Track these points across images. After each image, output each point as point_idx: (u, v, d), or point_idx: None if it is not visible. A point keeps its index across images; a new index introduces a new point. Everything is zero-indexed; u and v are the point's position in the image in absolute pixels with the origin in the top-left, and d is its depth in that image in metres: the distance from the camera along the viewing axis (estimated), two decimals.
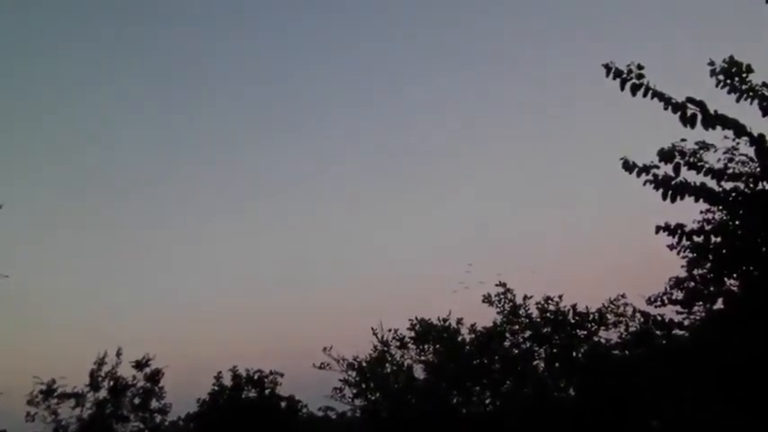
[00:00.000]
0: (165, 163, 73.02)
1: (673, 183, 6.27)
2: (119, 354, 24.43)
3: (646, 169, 6.39)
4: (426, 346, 21.61)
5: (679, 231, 6.85)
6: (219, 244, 63.91)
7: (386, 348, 22.08)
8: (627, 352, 19.08)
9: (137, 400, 24.43)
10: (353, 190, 72.05)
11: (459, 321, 21.48)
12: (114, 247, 60.58)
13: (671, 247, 10.79)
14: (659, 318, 18.26)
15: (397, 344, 21.99)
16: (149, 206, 68.14)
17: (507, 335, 20.62)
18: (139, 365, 24.73)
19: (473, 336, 21.12)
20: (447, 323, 21.41)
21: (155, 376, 24.82)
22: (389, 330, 22.14)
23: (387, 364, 22.09)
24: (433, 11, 75.78)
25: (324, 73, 74.47)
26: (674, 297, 16.28)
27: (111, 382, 24.09)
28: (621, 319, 19.53)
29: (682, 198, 6.27)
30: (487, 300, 20.61)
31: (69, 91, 73.23)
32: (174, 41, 74.57)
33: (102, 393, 23.99)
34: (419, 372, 21.70)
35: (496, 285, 20.58)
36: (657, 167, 6.39)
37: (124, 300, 52.59)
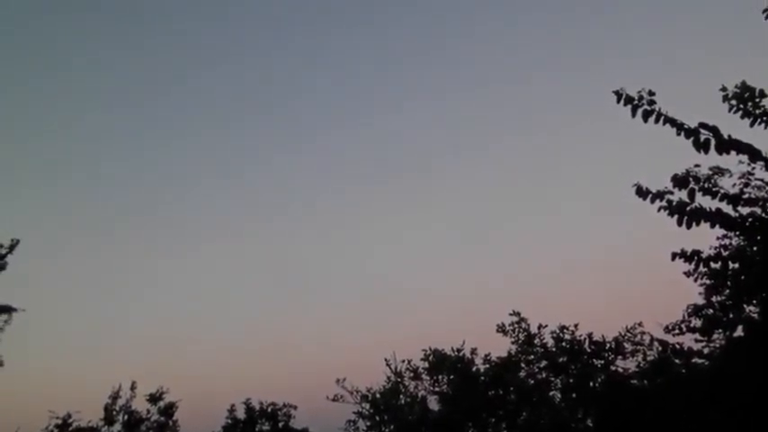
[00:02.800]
0: (165, 187, 72.17)
1: (688, 209, 6.23)
2: (133, 387, 24.37)
3: (660, 195, 6.37)
4: (440, 377, 21.36)
5: (696, 258, 6.81)
6: (222, 272, 63.40)
7: (399, 379, 21.87)
8: (645, 381, 18.79)
9: None
10: (368, 214, 71.25)
11: (474, 351, 21.25)
12: (126, 276, 60.47)
13: (687, 273, 10.68)
14: (678, 346, 18.02)
15: (411, 375, 21.77)
16: (161, 234, 67.84)
17: (522, 365, 20.38)
18: (153, 399, 24.64)
19: (487, 366, 20.87)
20: (461, 353, 21.18)
21: (169, 410, 24.71)
22: (403, 361, 21.96)
23: (401, 396, 21.85)
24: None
25: (328, 85, 73.96)
26: (692, 325, 16.07)
27: (126, 416, 24.00)
28: (639, 347, 19.28)
29: (697, 224, 6.23)
30: (501, 329, 20.42)
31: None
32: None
33: (117, 427, 23.89)
34: (433, 403, 21.43)
35: (510, 315, 20.43)
36: (671, 193, 6.37)
37: (137, 332, 52.44)
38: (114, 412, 23.90)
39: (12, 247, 22.51)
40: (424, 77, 74.66)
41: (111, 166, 71.24)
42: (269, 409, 26.34)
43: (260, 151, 73.03)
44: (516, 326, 20.35)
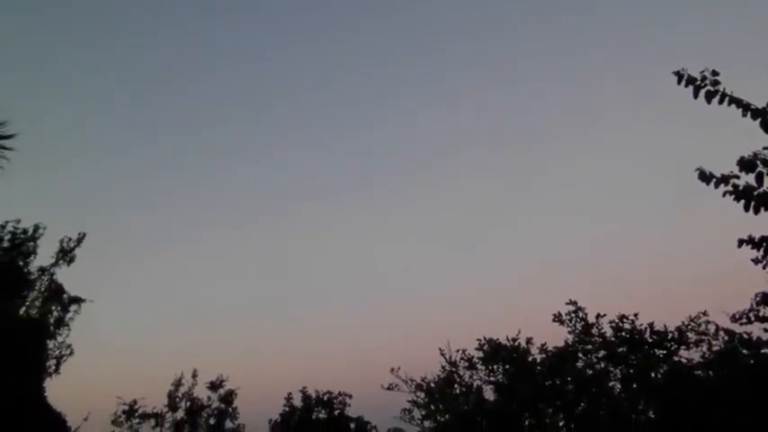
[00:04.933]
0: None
1: (755, 193, 5.95)
2: (194, 375, 25.21)
3: (725, 180, 6.09)
4: (496, 367, 21.19)
5: (765, 244, 6.49)
6: (287, 263, 64.50)
7: (454, 369, 21.81)
8: (711, 372, 18.18)
9: (212, 421, 25.08)
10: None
11: (529, 341, 20.98)
12: (189, 266, 62.33)
13: (755, 261, 10.23)
14: (745, 336, 17.39)
15: (466, 364, 21.68)
16: (233, 222, 69.22)
17: (580, 355, 20.01)
18: (214, 386, 25.40)
19: (544, 356, 20.58)
20: (516, 343, 20.96)
21: (228, 397, 25.44)
22: (457, 351, 21.89)
23: (455, 385, 21.81)
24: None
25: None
26: (760, 314, 15.46)
27: (188, 403, 24.84)
28: (704, 337, 18.66)
29: (766, 209, 5.94)
30: (558, 319, 20.09)
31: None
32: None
33: (180, 414, 24.76)
34: (489, 393, 21.32)
35: (567, 304, 20.07)
36: (737, 177, 6.08)
37: (199, 322, 54.07)
38: (177, 399, 24.79)
39: (79, 240, 23.57)
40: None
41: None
42: (325, 398, 26.77)
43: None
44: (573, 315, 19.99)
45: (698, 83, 5.89)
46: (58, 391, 21.15)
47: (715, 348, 18.24)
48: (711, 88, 5.84)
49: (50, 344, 21.63)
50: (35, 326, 20.59)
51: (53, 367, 21.52)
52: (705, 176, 6.17)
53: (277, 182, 73.20)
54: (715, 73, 5.83)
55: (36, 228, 22.55)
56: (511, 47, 70.47)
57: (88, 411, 20.73)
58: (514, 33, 67.39)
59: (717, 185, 6.11)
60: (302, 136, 76.32)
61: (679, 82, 5.97)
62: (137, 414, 24.15)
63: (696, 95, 5.91)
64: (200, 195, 74.89)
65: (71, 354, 22.30)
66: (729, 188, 6.08)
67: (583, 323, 19.88)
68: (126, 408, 24.06)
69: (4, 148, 10.34)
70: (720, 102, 5.83)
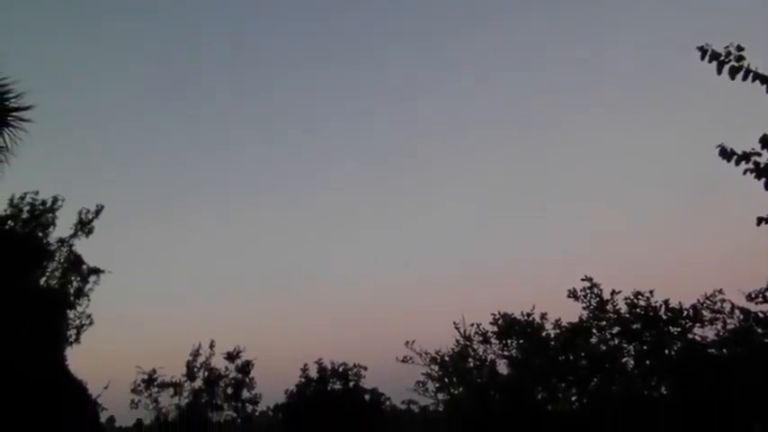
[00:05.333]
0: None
1: None
2: (212, 346, 25.56)
3: (746, 156, 5.99)
4: (510, 341, 21.27)
5: None
6: (302, 237, 64.86)
7: (468, 343, 21.94)
8: (725, 351, 18.13)
9: (229, 390, 25.49)
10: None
11: (543, 316, 21.00)
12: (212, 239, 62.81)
13: None
14: (761, 315, 17.28)
15: (480, 339, 21.79)
16: (247, 200, 69.70)
17: (594, 331, 20.01)
18: (231, 357, 25.75)
19: (558, 331, 20.62)
20: (531, 318, 21.00)
21: (245, 367, 25.79)
22: (472, 325, 21.98)
23: (469, 359, 21.96)
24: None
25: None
26: None
27: (206, 373, 25.25)
28: (719, 315, 18.54)
29: None
30: (573, 295, 20.07)
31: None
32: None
33: (198, 383, 25.19)
34: (502, 367, 21.45)
35: (582, 280, 20.02)
36: (759, 155, 5.98)
37: (217, 294, 54.70)
38: (195, 369, 25.20)
39: (98, 212, 23.85)
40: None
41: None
42: (340, 369, 27.06)
43: None
44: (588, 291, 19.95)
45: (722, 58, 5.77)
46: (79, 360, 21.65)
47: (729, 327, 18.17)
48: (735, 64, 5.73)
49: (70, 314, 22.04)
50: (55, 296, 20.98)
51: (73, 337, 21.96)
52: (726, 153, 6.07)
53: (297, 152, 73.43)
54: (740, 48, 5.71)
55: (54, 199, 22.85)
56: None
57: (108, 380, 21.21)
58: None
59: (737, 163, 6.01)
60: (329, 108, 76.42)
61: (703, 57, 5.85)
62: (156, 383, 24.62)
63: (720, 71, 5.80)
64: (217, 166, 75.32)
65: (91, 324, 22.73)
66: (750, 165, 5.98)
67: (598, 299, 19.85)
68: (145, 377, 24.53)
69: (22, 119, 10.42)
70: (744, 78, 5.71)
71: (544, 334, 20.84)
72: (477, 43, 74.88)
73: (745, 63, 5.71)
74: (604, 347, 19.85)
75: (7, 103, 10.39)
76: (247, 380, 25.72)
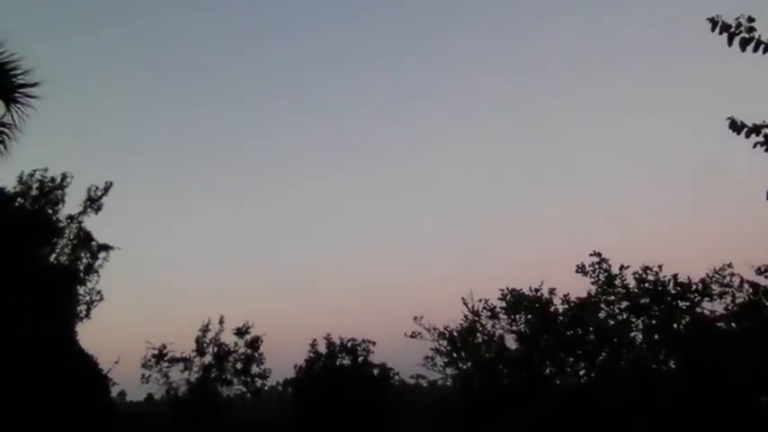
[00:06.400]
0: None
1: None
2: (221, 321, 25.70)
3: (756, 129, 5.88)
4: (518, 317, 21.30)
5: None
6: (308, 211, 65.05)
7: (477, 318, 21.98)
8: (734, 324, 18.10)
9: (239, 365, 25.71)
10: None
11: (552, 291, 20.98)
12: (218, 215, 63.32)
13: None
14: None
15: (488, 314, 21.81)
16: (251, 175, 70.06)
17: (602, 305, 20.00)
18: (240, 332, 25.91)
19: (566, 306, 20.62)
20: (539, 293, 20.99)
21: (255, 343, 25.96)
22: (480, 300, 22.00)
23: (478, 334, 22.02)
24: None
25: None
26: None
27: (215, 348, 25.45)
28: (728, 289, 18.46)
29: None
30: (581, 270, 20.03)
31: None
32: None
33: (208, 358, 25.41)
34: (511, 342, 21.49)
35: (591, 255, 19.96)
36: None
37: (226, 270, 55.11)
38: (205, 345, 25.41)
39: (107, 189, 23.94)
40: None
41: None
42: (349, 344, 27.20)
43: None
44: (597, 266, 19.90)
45: (732, 30, 5.64)
46: (90, 335, 21.84)
47: (739, 301, 18.11)
48: (746, 35, 5.60)
49: (81, 290, 22.25)
50: (65, 272, 21.17)
51: (84, 312, 22.19)
52: (736, 126, 5.98)
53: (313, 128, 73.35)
54: (751, 19, 5.57)
55: (63, 176, 22.94)
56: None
57: (119, 355, 21.43)
58: None
59: (747, 135, 5.92)
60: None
61: (713, 29, 5.73)
62: (166, 358, 24.85)
63: (730, 43, 5.67)
64: (231, 140, 75.31)
65: (101, 299, 22.95)
66: (761, 139, 5.89)
67: (606, 274, 19.80)
68: (155, 352, 24.75)
69: (31, 96, 10.41)
70: (755, 49, 5.59)
71: (552, 309, 20.86)
72: None
73: (755, 34, 5.58)
74: (612, 322, 19.86)
75: (14, 79, 10.37)
76: (256, 355, 25.88)
